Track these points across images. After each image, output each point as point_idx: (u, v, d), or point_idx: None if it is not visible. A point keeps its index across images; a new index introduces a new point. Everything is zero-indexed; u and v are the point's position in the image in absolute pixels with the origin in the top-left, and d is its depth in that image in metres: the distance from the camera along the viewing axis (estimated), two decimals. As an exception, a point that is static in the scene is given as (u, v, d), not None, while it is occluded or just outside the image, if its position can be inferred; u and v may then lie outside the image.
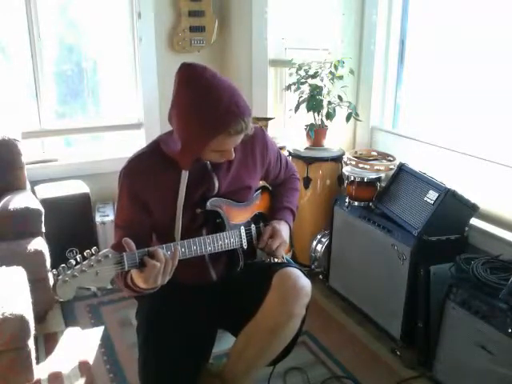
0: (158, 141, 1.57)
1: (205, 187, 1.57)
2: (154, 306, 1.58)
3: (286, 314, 1.52)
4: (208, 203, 1.56)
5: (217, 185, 1.58)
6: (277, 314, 1.52)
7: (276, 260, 1.73)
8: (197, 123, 1.38)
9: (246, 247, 1.65)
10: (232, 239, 1.60)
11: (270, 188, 1.86)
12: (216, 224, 1.59)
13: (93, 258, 1.27)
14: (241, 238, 1.64)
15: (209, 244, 1.53)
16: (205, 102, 1.37)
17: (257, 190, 1.77)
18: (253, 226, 1.70)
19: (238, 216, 1.65)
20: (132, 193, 1.50)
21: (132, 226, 1.51)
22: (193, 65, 1.41)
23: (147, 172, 1.51)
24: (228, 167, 1.60)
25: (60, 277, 1.23)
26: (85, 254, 1.27)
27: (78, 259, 1.26)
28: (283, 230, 1.69)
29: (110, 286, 2.67)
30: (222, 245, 1.57)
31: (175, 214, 1.53)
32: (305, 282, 1.56)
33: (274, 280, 1.55)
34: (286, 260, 1.78)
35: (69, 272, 1.24)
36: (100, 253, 1.28)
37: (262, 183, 1.82)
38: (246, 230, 1.67)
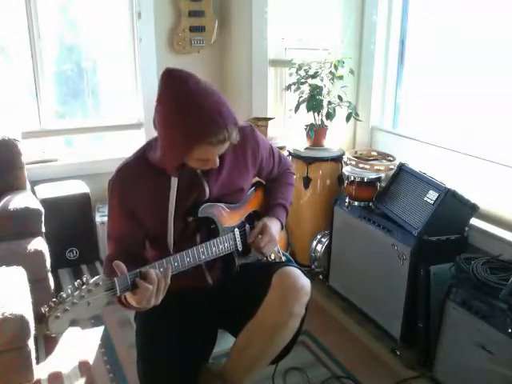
0: (145, 147, 1.54)
1: (196, 193, 1.54)
2: (151, 310, 1.57)
3: (286, 313, 1.52)
4: (199, 211, 1.53)
5: (207, 191, 1.56)
6: (277, 313, 1.52)
7: (273, 258, 1.73)
8: (177, 132, 1.34)
9: (240, 249, 1.65)
10: (226, 243, 1.59)
11: (264, 182, 1.84)
12: (209, 230, 1.58)
13: (84, 287, 1.23)
14: (235, 240, 1.63)
15: (202, 253, 1.50)
16: (185, 111, 1.32)
17: (251, 187, 1.75)
18: (247, 226, 1.69)
19: (232, 218, 1.64)
20: (122, 202, 1.49)
21: (124, 237, 1.50)
22: (176, 70, 1.37)
23: (136, 180, 1.49)
24: (218, 171, 1.57)
25: (51, 312, 1.20)
26: (76, 283, 1.24)
27: (69, 291, 1.23)
28: (273, 227, 1.67)
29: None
30: (216, 251, 1.55)
31: (167, 221, 1.51)
32: (304, 282, 1.56)
33: (273, 279, 1.54)
34: (285, 257, 1.78)
35: (60, 306, 1.20)
36: (91, 281, 1.25)
37: (255, 179, 1.80)
38: (240, 232, 1.65)
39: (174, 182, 1.49)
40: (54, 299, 1.22)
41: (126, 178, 1.50)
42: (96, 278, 1.26)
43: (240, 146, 1.59)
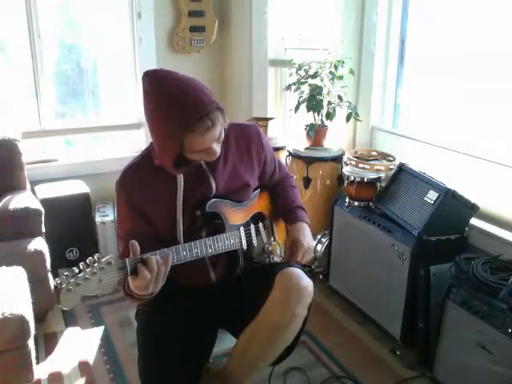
0: (149, 147, 1.56)
1: (203, 188, 1.56)
2: (153, 308, 1.58)
3: (289, 314, 1.52)
4: (207, 205, 1.55)
5: (214, 185, 1.58)
6: (279, 314, 1.52)
7: (276, 259, 1.73)
8: (162, 130, 1.39)
9: (245, 248, 1.65)
10: (232, 240, 1.60)
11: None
12: (215, 225, 1.59)
13: (96, 264, 1.26)
14: (240, 239, 1.64)
15: (209, 246, 1.52)
16: (166, 108, 1.36)
17: (255, 190, 1.76)
18: (252, 226, 1.70)
19: (237, 217, 1.65)
20: (130, 202, 1.51)
21: (134, 236, 1.50)
22: (155, 70, 1.42)
23: (143, 180, 1.51)
24: (224, 165, 1.59)
25: (63, 285, 1.22)
26: (87, 260, 1.26)
27: (81, 267, 1.25)
28: (302, 235, 1.69)
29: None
30: (222, 246, 1.56)
31: (176, 219, 1.53)
32: (307, 282, 1.57)
33: (276, 280, 1.55)
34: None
35: (72, 280, 1.23)
36: (103, 259, 1.27)
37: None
38: (245, 231, 1.66)
39: (181, 177, 1.51)
40: (66, 273, 1.24)
41: (132, 178, 1.52)
42: (108, 256, 1.29)
43: (245, 143, 1.64)
